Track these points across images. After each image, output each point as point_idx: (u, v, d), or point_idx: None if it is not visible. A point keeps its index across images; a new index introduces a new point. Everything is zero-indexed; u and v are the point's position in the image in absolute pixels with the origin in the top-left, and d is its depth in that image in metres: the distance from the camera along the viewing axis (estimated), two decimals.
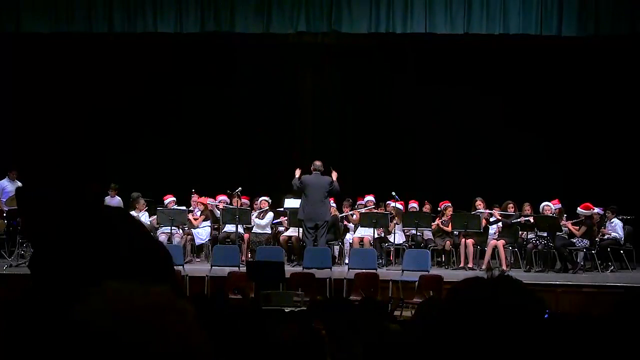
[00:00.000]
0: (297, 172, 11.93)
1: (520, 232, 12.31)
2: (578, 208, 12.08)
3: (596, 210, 12.23)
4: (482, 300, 1.25)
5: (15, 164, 13.15)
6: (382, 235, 12.44)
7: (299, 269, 10.92)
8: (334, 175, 11.91)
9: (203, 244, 12.74)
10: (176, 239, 12.31)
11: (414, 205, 13.00)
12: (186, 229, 12.62)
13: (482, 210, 12.45)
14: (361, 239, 12.25)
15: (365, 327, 3.78)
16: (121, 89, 14.91)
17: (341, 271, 11.04)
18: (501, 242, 12.04)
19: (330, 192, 11.84)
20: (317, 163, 11.91)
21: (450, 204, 12.65)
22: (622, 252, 12.26)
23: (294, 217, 12.24)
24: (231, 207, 12.45)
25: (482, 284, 1.30)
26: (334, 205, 12.62)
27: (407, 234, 12.57)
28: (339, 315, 3.89)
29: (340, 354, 3.46)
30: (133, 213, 12.76)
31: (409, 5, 12.24)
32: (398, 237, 12.40)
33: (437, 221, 12.63)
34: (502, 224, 12.42)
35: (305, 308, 7.57)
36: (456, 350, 1.22)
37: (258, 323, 3.44)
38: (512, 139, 14.48)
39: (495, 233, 12.55)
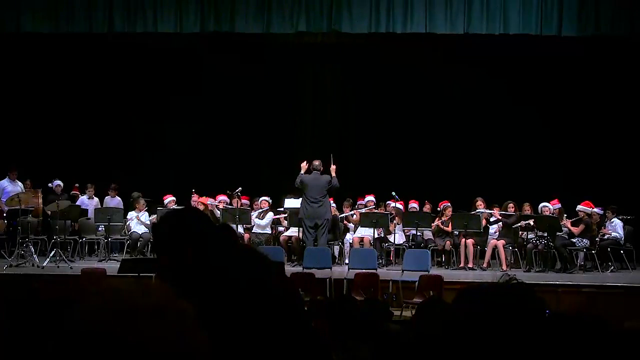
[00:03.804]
0: (303, 167, 11.92)
1: (520, 232, 12.32)
2: (578, 205, 12.09)
3: (596, 210, 12.23)
4: (488, 306, 1.26)
5: (15, 164, 13.14)
6: (382, 235, 12.44)
7: (299, 269, 10.91)
8: (333, 169, 11.87)
9: None
10: None
11: (414, 205, 13.01)
12: None
13: (483, 210, 12.45)
14: (361, 239, 12.25)
15: (368, 326, 3.78)
16: (121, 89, 14.94)
17: (341, 271, 11.04)
18: (501, 242, 12.04)
19: (329, 190, 11.85)
20: (316, 162, 11.92)
21: (449, 204, 12.65)
22: (622, 252, 12.25)
23: (294, 217, 12.25)
24: (231, 207, 12.45)
25: (489, 291, 1.31)
26: (334, 205, 12.63)
27: (407, 234, 12.57)
28: (344, 314, 3.89)
29: (343, 354, 3.46)
30: (133, 213, 12.80)
31: (409, 5, 12.24)
32: (398, 237, 12.40)
33: (437, 222, 12.62)
34: (502, 224, 12.42)
35: (305, 308, 7.56)
36: (463, 351, 1.23)
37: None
38: (512, 138, 14.51)
39: (495, 233, 12.56)
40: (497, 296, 1.28)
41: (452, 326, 1.26)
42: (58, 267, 11.17)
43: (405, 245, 12.22)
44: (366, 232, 12.18)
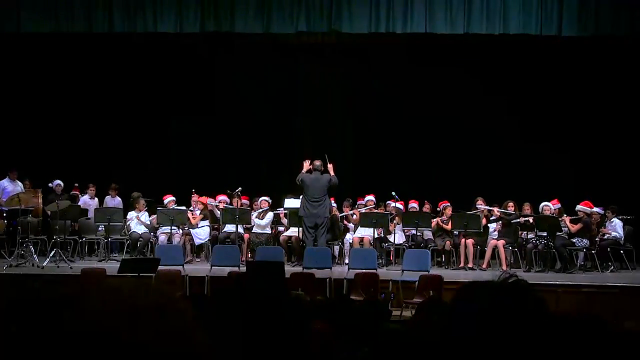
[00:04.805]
0: (306, 166, 11.96)
1: (520, 232, 12.31)
2: (578, 205, 12.09)
3: (596, 209, 12.23)
4: (488, 305, 1.26)
5: (15, 164, 13.14)
6: (382, 235, 12.44)
7: (299, 269, 10.91)
8: (331, 167, 11.93)
9: (203, 244, 12.75)
10: (176, 239, 12.31)
11: (414, 205, 13.00)
12: (186, 228, 12.62)
13: (482, 206, 12.45)
14: (361, 239, 12.25)
15: (368, 326, 3.78)
16: (121, 89, 14.93)
17: (341, 271, 11.04)
18: (501, 242, 12.04)
19: (330, 189, 11.87)
20: (317, 163, 11.95)
21: (449, 204, 12.66)
22: (622, 252, 12.25)
23: (294, 217, 12.25)
24: (231, 207, 12.45)
25: (489, 289, 1.31)
26: (334, 205, 12.63)
27: (407, 234, 12.56)
28: (343, 314, 3.89)
29: (343, 354, 3.46)
30: (133, 213, 12.79)
31: (409, 5, 12.24)
32: (398, 237, 12.40)
33: (437, 219, 12.61)
34: (502, 223, 12.41)
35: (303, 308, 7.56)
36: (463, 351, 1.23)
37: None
38: (512, 139, 14.49)
39: (495, 232, 12.55)
40: (496, 294, 1.28)
41: (451, 326, 1.26)
42: (58, 267, 11.17)
43: (405, 245, 12.22)
44: (366, 232, 12.18)
